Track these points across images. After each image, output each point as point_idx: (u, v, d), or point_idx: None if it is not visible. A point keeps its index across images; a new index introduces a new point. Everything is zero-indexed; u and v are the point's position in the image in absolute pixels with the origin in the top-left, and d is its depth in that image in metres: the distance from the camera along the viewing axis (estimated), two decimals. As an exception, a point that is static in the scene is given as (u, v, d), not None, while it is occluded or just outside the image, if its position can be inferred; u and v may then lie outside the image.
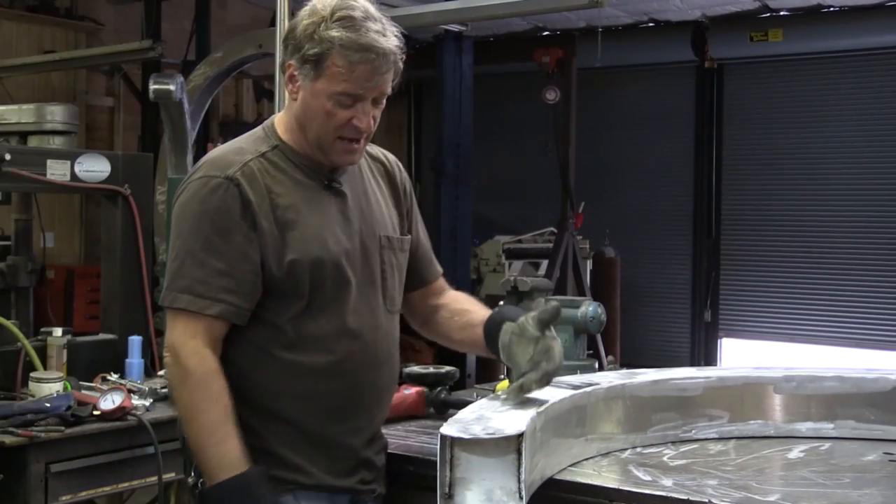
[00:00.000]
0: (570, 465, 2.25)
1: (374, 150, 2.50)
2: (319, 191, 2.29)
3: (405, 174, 2.54)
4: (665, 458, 2.37)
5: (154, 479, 3.43)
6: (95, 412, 3.46)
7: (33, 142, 4.53)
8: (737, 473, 2.25)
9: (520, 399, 2.14)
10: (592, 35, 8.85)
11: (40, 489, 3.29)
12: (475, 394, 3.06)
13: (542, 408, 2.11)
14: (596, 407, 2.38)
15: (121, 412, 3.48)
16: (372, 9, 2.22)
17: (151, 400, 3.61)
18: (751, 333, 9.66)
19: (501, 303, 3.25)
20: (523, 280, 3.26)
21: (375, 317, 2.32)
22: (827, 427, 2.61)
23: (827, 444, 2.55)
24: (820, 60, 9.15)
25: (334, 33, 2.16)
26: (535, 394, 2.18)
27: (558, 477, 2.18)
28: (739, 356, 9.62)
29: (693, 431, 2.56)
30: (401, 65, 2.24)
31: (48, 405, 3.39)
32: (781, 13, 8.98)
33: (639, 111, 10.18)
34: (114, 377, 3.93)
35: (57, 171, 4.03)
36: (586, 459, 2.31)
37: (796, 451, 2.47)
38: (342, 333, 2.26)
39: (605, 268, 9.33)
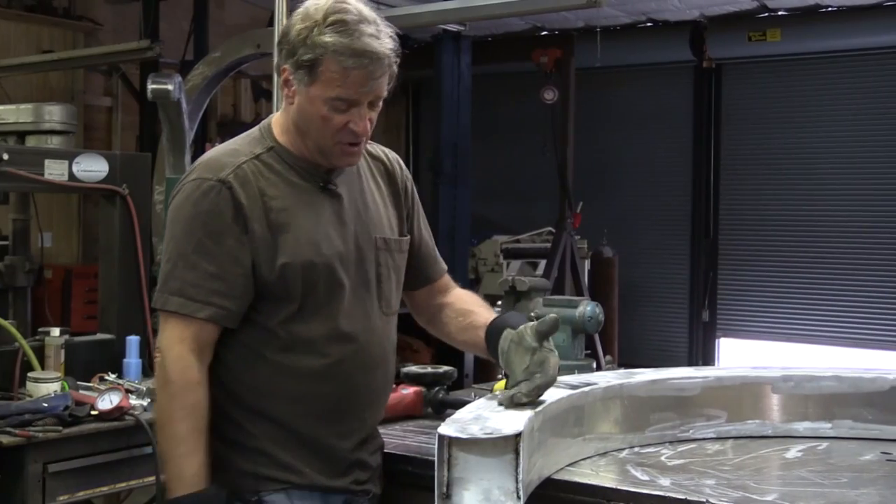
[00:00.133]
0: (567, 465, 2.25)
1: (375, 148, 2.49)
2: (314, 193, 2.28)
3: (406, 172, 2.53)
4: (663, 458, 2.37)
5: (152, 478, 3.43)
6: (93, 412, 3.46)
7: (31, 141, 4.53)
8: (734, 473, 2.25)
9: (511, 408, 2.13)
10: (590, 35, 8.87)
11: (38, 489, 3.29)
12: (473, 394, 3.06)
13: (540, 408, 2.11)
14: (594, 407, 2.38)
15: (118, 412, 3.48)
16: (366, 10, 2.20)
17: (149, 400, 3.61)
18: (748, 333, 9.66)
19: (499, 303, 3.26)
20: (521, 280, 3.26)
21: (370, 320, 2.32)
22: (824, 427, 2.61)
23: (824, 444, 2.55)
24: (818, 60, 9.16)
25: (327, 38, 2.14)
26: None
27: (556, 477, 2.18)
28: (737, 356, 9.61)
29: (691, 431, 2.56)
30: (395, 68, 2.22)
31: (46, 405, 3.39)
32: (779, 13, 8.98)
33: (637, 111, 10.18)
34: (111, 377, 3.93)
35: (55, 170, 4.03)
36: (584, 459, 2.32)
37: (794, 451, 2.48)
38: (335, 337, 2.25)
39: (602, 267, 9.32)
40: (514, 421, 1.97)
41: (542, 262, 8.83)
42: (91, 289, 7.08)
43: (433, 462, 1.91)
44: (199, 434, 2.17)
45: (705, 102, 9.84)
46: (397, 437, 2.60)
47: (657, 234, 10.10)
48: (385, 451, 2.44)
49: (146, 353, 4.08)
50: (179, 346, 2.18)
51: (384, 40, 2.18)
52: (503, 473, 1.87)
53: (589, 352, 3.45)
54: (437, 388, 2.91)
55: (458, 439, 1.89)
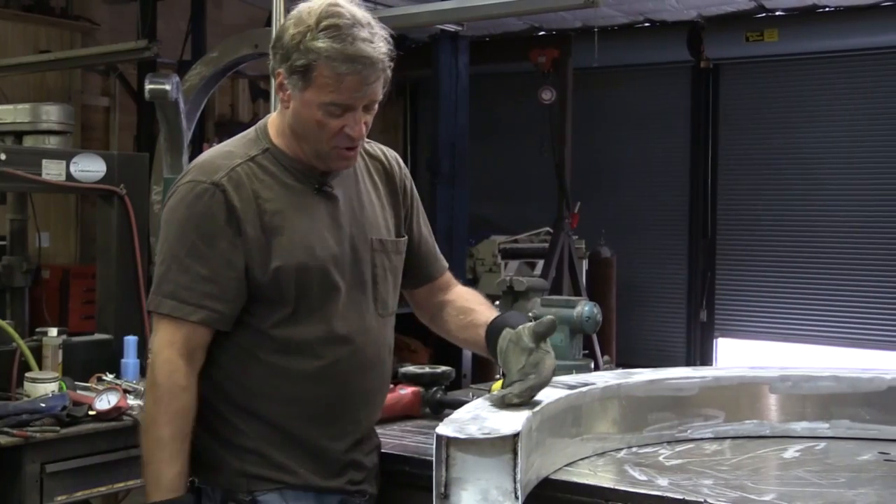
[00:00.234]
0: (565, 465, 2.25)
1: (373, 147, 2.48)
2: (309, 195, 2.27)
3: (405, 170, 2.51)
4: (661, 458, 2.37)
5: (150, 479, 3.42)
6: (91, 412, 3.46)
7: (29, 142, 4.53)
8: (732, 473, 2.25)
9: (503, 408, 2.13)
10: (588, 35, 8.84)
11: (35, 489, 3.29)
12: (471, 394, 3.05)
13: (538, 408, 2.11)
14: (592, 407, 2.38)
15: (116, 412, 3.48)
16: (359, 13, 2.18)
17: (147, 400, 3.61)
18: (746, 333, 9.67)
19: (497, 303, 3.26)
20: (519, 280, 3.26)
21: (365, 321, 2.31)
22: (822, 427, 2.61)
23: (822, 444, 2.55)
24: (815, 60, 9.17)
25: (320, 44, 2.12)
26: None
27: (554, 477, 2.18)
28: (735, 356, 9.62)
29: (689, 431, 2.56)
30: (389, 72, 2.20)
31: (43, 405, 3.39)
32: (777, 13, 8.99)
33: (634, 111, 10.18)
34: (109, 377, 3.93)
35: (52, 171, 4.02)
36: (582, 459, 2.31)
37: (792, 451, 2.48)
38: (330, 339, 2.25)
39: (600, 268, 9.33)
40: (512, 421, 1.97)
41: (540, 263, 8.83)
42: (89, 289, 7.07)
43: (431, 462, 1.91)
44: (182, 440, 2.17)
45: (703, 103, 9.85)
46: (395, 438, 2.60)
47: (655, 234, 10.10)
48: (383, 451, 2.44)
49: (144, 353, 4.08)
50: (169, 349, 2.18)
51: (378, 44, 2.16)
52: (501, 473, 1.87)
53: (587, 352, 3.45)
54: (435, 389, 2.91)
55: (456, 439, 1.89)
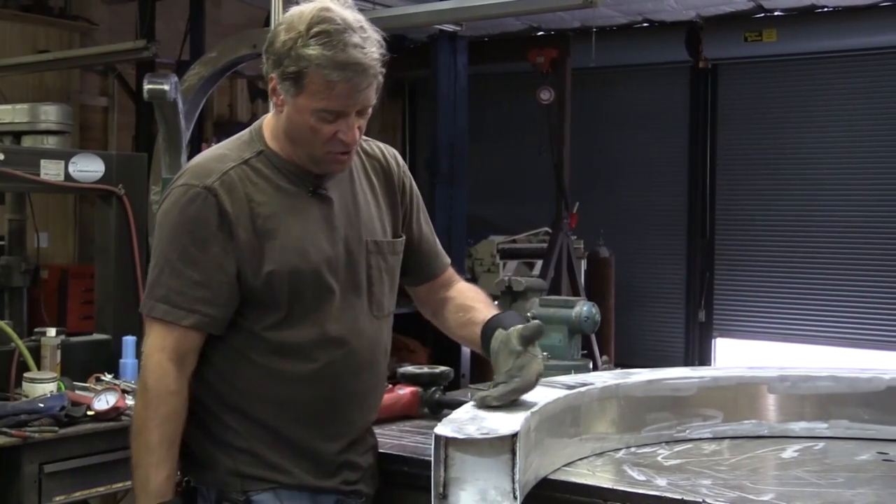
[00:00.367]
0: (564, 465, 2.25)
1: (371, 145, 2.46)
2: (303, 197, 2.26)
3: (404, 168, 2.50)
4: (659, 458, 2.37)
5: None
6: (89, 412, 3.46)
7: (27, 142, 4.53)
8: (731, 473, 2.25)
9: (483, 409, 2.13)
10: (587, 35, 8.85)
11: (34, 490, 3.29)
12: (469, 394, 3.05)
13: (537, 408, 2.11)
14: (590, 407, 2.38)
15: (115, 412, 3.48)
16: (350, 17, 2.15)
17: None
18: (745, 333, 9.67)
19: (496, 303, 3.26)
20: (517, 280, 3.26)
21: (359, 324, 2.30)
22: (821, 427, 2.61)
23: (821, 444, 2.55)
24: (814, 61, 9.17)
25: (311, 51, 2.10)
26: (528, 395, 2.18)
27: (553, 477, 2.18)
28: (733, 356, 9.62)
29: (687, 431, 2.56)
30: (381, 78, 2.18)
31: (42, 405, 3.38)
32: (775, 13, 8.99)
33: (633, 111, 10.18)
34: (108, 377, 3.93)
35: (51, 171, 4.02)
36: (581, 459, 2.32)
37: (790, 451, 2.48)
38: (323, 342, 2.24)
39: (599, 268, 9.33)
40: (511, 421, 1.97)
41: (539, 263, 8.84)
42: (87, 289, 7.08)
43: (429, 462, 1.91)
44: (170, 444, 2.18)
45: (701, 103, 9.86)
46: (394, 438, 2.59)
47: (653, 234, 10.11)
48: (381, 451, 2.44)
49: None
50: (159, 354, 2.19)
51: (370, 49, 2.14)
52: (500, 473, 1.87)
53: (585, 352, 3.46)
54: (433, 389, 2.91)
55: (454, 439, 1.89)
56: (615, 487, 2.12)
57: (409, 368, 2.96)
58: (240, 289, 2.21)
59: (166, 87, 4.74)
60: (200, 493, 2.26)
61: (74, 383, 3.79)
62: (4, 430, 3.25)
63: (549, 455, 2.20)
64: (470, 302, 2.49)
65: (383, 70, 2.18)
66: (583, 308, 3.14)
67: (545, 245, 8.90)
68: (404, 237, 2.46)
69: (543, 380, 2.52)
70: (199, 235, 2.19)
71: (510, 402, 2.13)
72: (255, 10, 8.79)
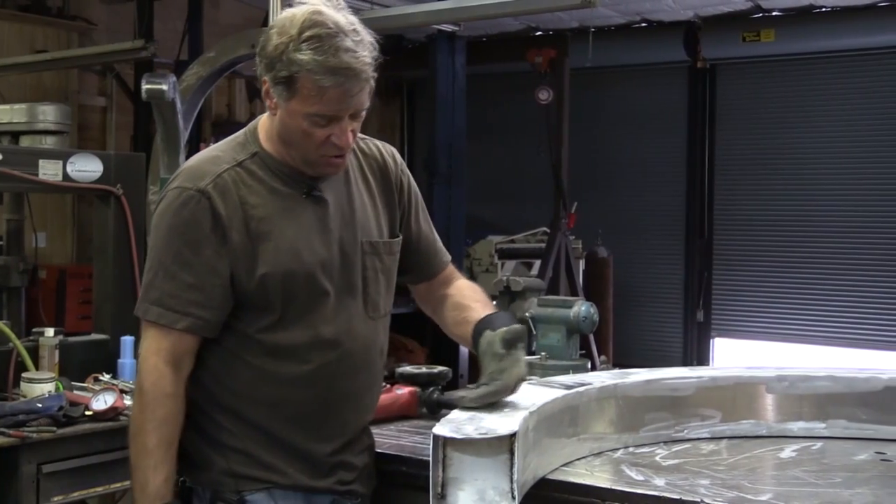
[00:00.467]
0: (562, 465, 2.25)
1: (369, 144, 2.45)
2: (298, 199, 2.26)
3: (402, 166, 2.48)
4: (657, 458, 2.37)
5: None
6: (87, 412, 3.46)
7: (25, 141, 4.53)
8: (729, 473, 2.25)
9: (460, 410, 2.13)
10: (585, 35, 8.85)
11: (32, 490, 3.28)
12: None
13: (535, 407, 2.11)
14: (588, 407, 2.38)
15: (113, 412, 3.48)
16: (342, 20, 2.14)
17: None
18: (743, 333, 9.68)
19: (494, 302, 3.26)
20: (516, 280, 3.26)
21: (354, 325, 2.30)
22: (819, 427, 2.62)
23: (819, 444, 2.55)
24: (812, 61, 9.17)
25: (302, 56, 2.09)
26: (524, 396, 2.18)
27: (551, 477, 2.18)
28: (732, 356, 9.63)
29: (685, 431, 2.56)
30: (373, 82, 2.17)
31: (40, 405, 3.38)
32: (773, 13, 8.99)
33: (631, 111, 10.19)
34: (106, 377, 3.93)
35: (49, 171, 4.02)
36: (579, 459, 2.32)
37: (788, 451, 2.48)
38: (317, 344, 2.24)
39: (597, 268, 9.33)
40: (509, 421, 1.97)
41: (537, 263, 8.84)
42: (85, 289, 7.08)
43: (428, 462, 1.91)
44: (168, 447, 2.18)
45: (699, 103, 9.86)
46: (392, 438, 2.60)
47: (652, 234, 10.11)
48: (380, 451, 2.44)
49: (140, 353, 4.07)
50: (155, 357, 2.19)
51: (361, 53, 2.13)
52: (498, 473, 1.87)
53: (583, 352, 3.46)
54: (431, 389, 2.91)
55: (452, 439, 1.89)
56: (613, 487, 2.12)
57: (408, 368, 2.96)
58: (233, 291, 2.21)
59: (164, 87, 4.74)
60: (196, 493, 2.26)
61: (73, 383, 3.78)
62: (2, 430, 3.25)
63: (548, 455, 2.20)
64: (466, 300, 2.48)
65: (375, 74, 2.17)
66: (581, 308, 3.14)
67: (543, 245, 8.90)
68: (401, 237, 2.45)
69: (542, 380, 2.53)
70: (193, 238, 2.19)
71: (487, 405, 2.13)
72: (253, 10, 8.78)
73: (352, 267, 2.31)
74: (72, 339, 4.10)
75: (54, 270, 8.01)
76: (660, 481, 2.14)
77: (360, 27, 2.17)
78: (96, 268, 4.36)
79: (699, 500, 2.00)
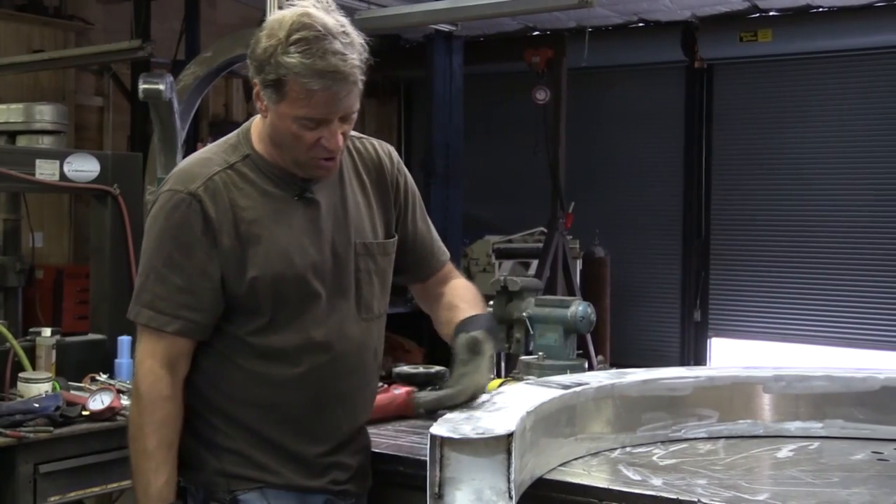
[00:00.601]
0: (559, 465, 2.25)
1: (365, 143, 2.44)
2: (289, 202, 2.25)
3: (399, 166, 2.47)
4: (655, 458, 2.37)
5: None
6: (84, 412, 3.46)
7: (22, 141, 4.53)
8: (726, 473, 2.25)
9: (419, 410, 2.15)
10: (582, 35, 8.86)
11: (29, 490, 3.28)
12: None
13: (532, 407, 2.11)
14: (585, 407, 2.38)
15: (110, 412, 3.48)
16: (331, 22, 2.12)
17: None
18: (740, 333, 9.68)
19: (491, 303, 3.26)
20: (513, 280, 3.26)
21: (346, 327, 2.30)
22: (816, 426, 2.62)
23: (816, 444, 2.55)
24: (810, 61, 9.18)
25: (290, 59, 2.08)
26: (522, 395, 2.18)
27: (548, 477, 2.18)
28: (729, 356, 9.63)
29: (682, 431, 2.56)
30: (361, 85, 2.16)
31: (37, 405, 3.38)
32: (771, 13, 9.00)
33: (629, 111, 10.19)
34: (103, 377, 3.92)
35: (46, 170, 4.02)
36: (576, 459, 2.32)
37: (785, 451, 2.48)
38: (308, 346, 2.24)
39: (594, 267, 9.33)
40: (506, 421, 1.97)
41: (534, 263, 8.84)
42: (82, 289, 7.07)
43: (425, 462, 1.91)
44: (168, 449, 2.19)
45: (697, 103, 9.86)
46: (389, 437, 2.59)
47: (649, 234, 10.11)
48: (377, 451, 2.44)
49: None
50: (150, 360, 2.20)
51: (350, 56, 2.11)
52: (495, 473, 1.87)
53: (581, 352, 3.46)
54: (428, 388, 2.91)
55: (450, 439, 1.89)
56: (611, 487, 2.12)
57: (405, 368, 2.96)
58: (224, 294, 2.21)
59: (161, 87, 4.74)
60: (190, 493, 2.27)
61: (69, 383, 3.78)
62: (-1, 430, 3.25)
63: (545, 455, 2.20)
64: (456, 300, 2.48)
65: (364, 76, 2.16)
66: (578, 308, 3.14)
67: (541, 245, 8.89)
68: (397, 237, 2.44)
69: (539, 379, 2.53)
70: (184, 241, 2.19)
71: (438, 410, 2.15)
72: (250, 9, 8.79)
73: (344, 269, 2.31)
74: (69, 339, 4.10)
75: (51, 270, 8.01)
76: (657, 481, 2.14)
77: (350, 29, 2.16)
78: (93, 268, 4.35)
79: (696, 499, 2.00)
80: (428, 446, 1.90)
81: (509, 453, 1.88)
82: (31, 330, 3.99)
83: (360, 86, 2.17)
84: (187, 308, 2.19)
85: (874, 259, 8.91)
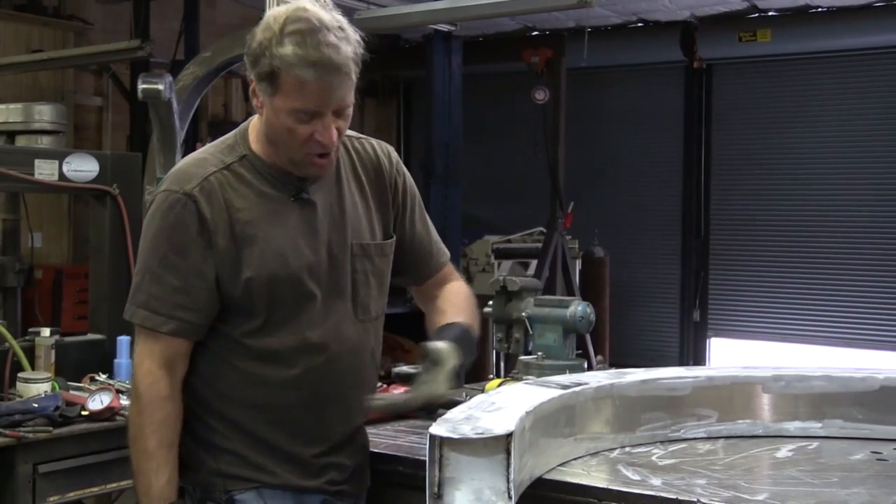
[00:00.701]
0: (559, 465, 2.25)
1: (364, 143, 2.44)
2: (285, 202, 2.25)
3: (398, 166, 2.47)
4: (654, 458, 2.37)
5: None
6: (84, 412, 3.46)
7: (21, 141, 4.53)
8: (725, 473, 2.25)
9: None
10: (581, 35, 8.86)
11: (28, 490, 3.28)
12: (464, 394, 3.05)
13: (532, 407, 2.11)
14: (585, 406, 2.38)
15: (109, 412, 3.48)
16: (327, 17, 2.13)
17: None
18: (739, 333, 9.68)
19: (490, 303, 3.26)
20: (512, 280, 3.25)
21: (342, 329, 2.30)
22: (815, 426, 2.61)
23: (815, 444, 2.55)
24: (808, 61, 9.18)
25: (284, 50, 2.09)
26: (521, 396, 2.18)
27: (547, 477, 2.18)
28: (728, 356, 9.63)
29: (682, 431, 2.56)
30: (355, 79, 2.16)
31: (36, 405, 3.38)
32: (770, 13, 9.00)
33: (628, 111, 10.19)
34: (102, 377, 3.92)
35: (45, 170, 4.02)
36: (575, 459, 2.31)
37: (784, 451, 2.48)
38: (304, 348, 2.24)
39: (594, 267, 9.33)
40: (506, 421, 1.97)
41: (534, 262, 8.83)
42: (82, 289, 7.07)
43: (424, 462, 1.90)
44: (168, 449, 2.19)
45: (696, 103, 9.86)
46: (388, 437, 2.59)
47: (648, 234, 10.11)
48: (376, 451, 2.44)
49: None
50: (149, 360, 2.20)
51: (343, 48, 2.12)
52: (494, 473, 1.87)
53: (580, 352, 3.46)
54: (427, 389, 2.90)
55: (449, 439, 1.88)
56: (610, 487, 2.12)
57: (404, 368, 2.96)
58: (220, 295, 2.21)
59: (161, 87, 4.74)
60: (187, 493, 2.27)
61: (69, 383, 3.78)
62: (-2, 430, 3.25)
63: (544, 455, 2.20)
64: (446, 305, 2.49)
65: (358, 69, 2.17)
66: (577, 308, 3.14)
67: (540, 245, 8.89)
68: (395, 238, 2.44)
69: (538, 379, 2.53)
70: (179, 241, 2.19)
71: (390, 413, 2.21)
72: (249, 10, 8.77)
73: (340, 270, 2.31)
74: (68, 339, 4.10)
75: (50, 270, 8.00)
76: (656, 481, 2.14)
77: (346, 25, 2.17)
78: (92, 268, 4.35)
79: (695, 499, 2.00)
80: (427, 446, 1.90)
81: (509, 453, 1.88)
82: (30, 330, 3.99)
83: (354, 80, 2.17)
84: (182, 308, 2.19)
85: (873, 259, 8.91)
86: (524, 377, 2.99)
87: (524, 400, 2.16)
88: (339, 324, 2.30)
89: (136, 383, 2.21)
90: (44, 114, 4.58)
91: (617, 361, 7.59)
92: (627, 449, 2.45)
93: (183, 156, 4.87)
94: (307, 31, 2.10)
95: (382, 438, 2.55)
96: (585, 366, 3.18)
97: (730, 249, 9.72)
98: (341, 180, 2.35)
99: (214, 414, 2.25)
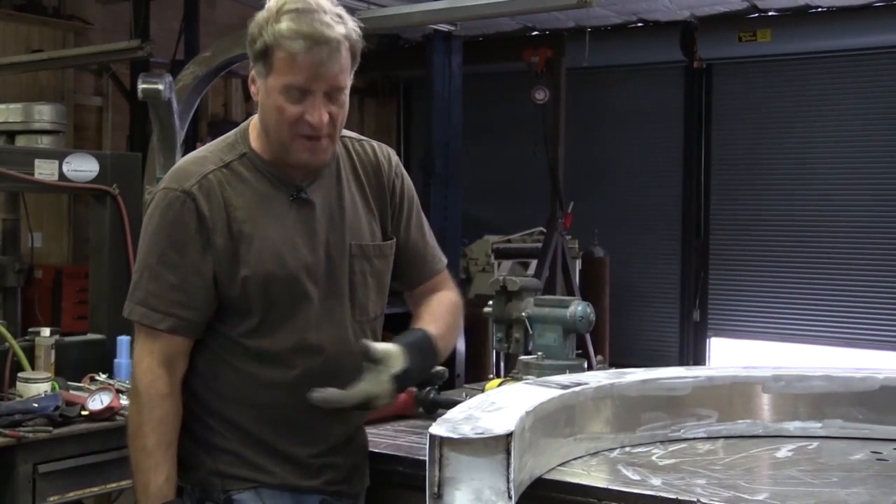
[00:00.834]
0: (559, 465, 2.25)
1: (364, 145, 2.43)
2: (284, 202, 2.25)
3: (397, 169, 2.45)
4: (654, 458, 2.37)
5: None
6: (84, 412, 3.46)
7: (21, 141, 4.53)
8: (725, 473, 2.25)
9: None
10: (582, 35, 8.88)
11: (28, 490, 3.28)
12: (464, 394, 3.05)
13: (532, 407, 2.11)
14: (585, 406, 2.38)
15: (109, 412, 3.48)
16: (325, 3, 2.17)
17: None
18: (739, 333, 9.68)
19: (490, 303, 3.26)
20: (512, 280, 3.25)
21: (340, 330, 2.29)
22: (815, 426, 2.61)
23: (815, 444, 2.55)
24: (808, 61, 9.18)
25: (279, 27, 2.12)
26: (521, 395, 2.18)
27: (547, 477, 2.18)
28: (728, 356, 9.63)
29: (682, 431, 2.56)
30: (349, 60, 2.17)
31: (36, 405, 3.38)
32: (770, 13, 9.00)
33: (628, 111, 10.19)
34: (102, 377, 3.92)
35: (45, 170, 4.02)
36: (575, 459, 2.31)
37: (784, 451, 2.48)
38: (301, 349, 2.24)
39: (594, 267, 9.33)
40: (506, 421, 1.97)
41: (534, 262, 8.83)
42: (82, 289, 7.07)
43: (424, 462, 1.90)
44: (167, 447, 2.19)
45: (696, 103, 9.87)
46: (388, 437, 2.59)
47: (648, 234, 10.11)
48: (376, 451, 2.44)
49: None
50: (148, 358, 2.20)
51: (336, 27, 2.14)
52: (494, 473, 1.87)
53: (580, 352, 3.45)
54: (428, 388, 2.91)
55: (449, 439, 1.88)
56: (610, 487, 2.12)
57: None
58: (217, 293, 2.21)
59: (161, 87, 4.74)
60: (186, 492, 2.27)
61: (69, 383, 3.78)
62: (-2, 430, 3.25)
63: (544, 455, 2.20)
64: (424, 313, 2.46)
65: (353, 56, 2.18)
66: (577, 308, 3.14)
67: (540, 245, 8.89)
68: (393, 240, 2.43)
69: (538, 379, 2.53)
70: (178, 239, 2.20)
71: (325, 406, 2.19)
72: (249, 9, 8.68)
73: (339, 270, 2.30)
74: (68, 338, 4.10)
75: (50, 270, 8.00)
76: (656, 481, 2.14)
77: (344, 14, 2.19)
78: (92, 267, 4.35)
79: (695, 499, 2.00)
80: (427, 446, 1.90)
81: (508, 453, 1.88)
82: (30, 330, 3.99)
83: (348, 61, 2.18)
84: (180, 306, 2.19)
85: (873, 259, 8.92)
86: (524, 377, 2.99)
87: (524, 400, 2.16)
88: (338, 325, 2.29)
89: (135, 381, 2.21)
90: (44, 114, 4.58)
91: (617, 361, 7.59)
92: (627, 449, 2.45)
93: (183, 156, 4.89)
94: (304, 10, 2.13)
95: (382, 438, 2.55)
96: (585, 366, 3.18)
97: (730, 249, 9.72)
98: (341, 181, 2.34)
99: (213, 414, 2.25)
